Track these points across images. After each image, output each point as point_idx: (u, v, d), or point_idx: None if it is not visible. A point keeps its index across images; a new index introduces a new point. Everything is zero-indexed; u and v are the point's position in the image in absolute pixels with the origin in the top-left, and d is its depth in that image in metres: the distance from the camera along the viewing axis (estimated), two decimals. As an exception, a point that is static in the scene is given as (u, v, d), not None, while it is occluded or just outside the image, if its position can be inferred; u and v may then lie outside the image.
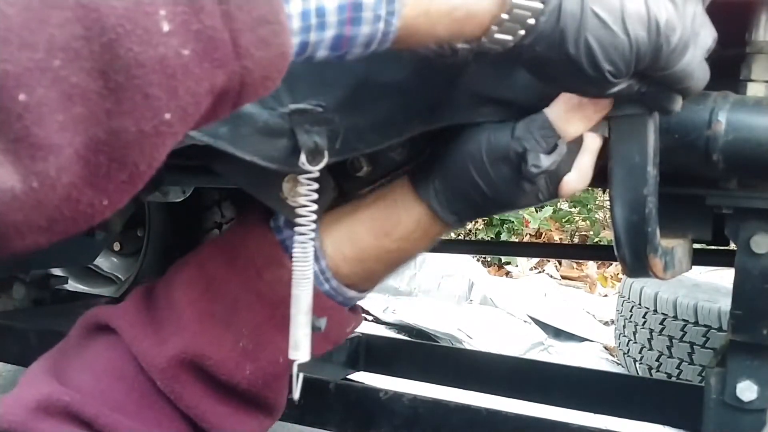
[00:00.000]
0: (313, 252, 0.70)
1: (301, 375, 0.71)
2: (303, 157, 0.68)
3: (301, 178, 0.69)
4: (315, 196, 0.70)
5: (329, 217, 0.78)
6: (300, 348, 0.71)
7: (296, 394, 0.71)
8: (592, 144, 0.73)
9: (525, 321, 3.88)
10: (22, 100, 0.39)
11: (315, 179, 0.69)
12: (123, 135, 0.43)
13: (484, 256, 5.26)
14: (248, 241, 0.77)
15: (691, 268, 0.95)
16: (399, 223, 0.77)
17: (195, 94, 0.44)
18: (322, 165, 0.69)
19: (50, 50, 0.40)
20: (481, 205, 0.75)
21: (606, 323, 4.09)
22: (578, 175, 0.73)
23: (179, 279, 0.75)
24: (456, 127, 0.75)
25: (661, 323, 2.96)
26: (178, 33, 0.43)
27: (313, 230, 0.70)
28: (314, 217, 0.70)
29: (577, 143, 0.73)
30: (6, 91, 0.38)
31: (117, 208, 0.45)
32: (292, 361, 0.69)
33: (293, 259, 0.70)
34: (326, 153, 0.69)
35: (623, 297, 3.22)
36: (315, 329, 0.71)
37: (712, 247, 1.22)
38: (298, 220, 0.70)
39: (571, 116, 0.71)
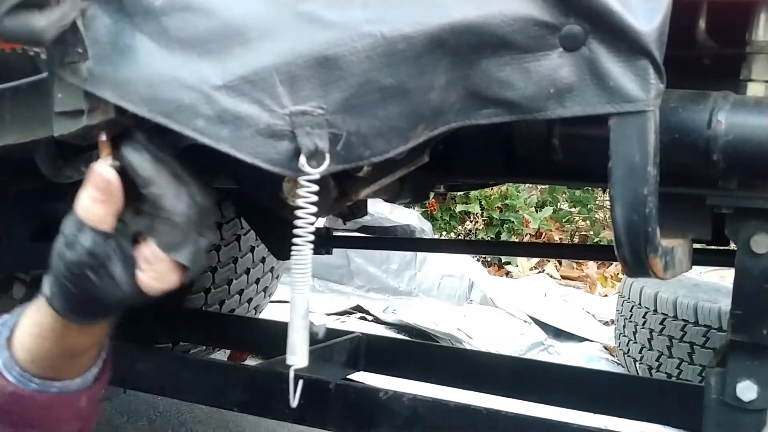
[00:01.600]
0: (311, 254, 0.70)
1: (300, 381, 0.71)
2: (303, 159, 0.67)
3: (302, 179, 0.69)
4: (314, 197, 0.69)
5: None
6: (297, 353, 0.70)
7: (294, 402, 0.71)
8: (146, 250, 0.73)
9: (525, 321, 3.88)
10: None
11: (315, 180, 0.69)
12: None
13: (484, 256, 5.26)
14: None
15: (691, 268, 0.95)
16: (41, 323, 0.79)
17: None
18: (323, 168, 0.68)
19: None
20: (74, 295, 0.75)
21: (606, 323, 4.09)
22: (151, 271, 0.73)
23: None
24: None
25: (661, 323, 2.95)
26: None
27: (312, 232, 0.69)
28: (313, 218, 0.69)
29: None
30: None
31: None
32: None
33: (292, 262, 0.70)
34: (327, 156, 0.68)
35: (623, 297, 3.22)
36: (313, 334, 0.71)
37: (712, 247, 1.22)
38: (298, 222, 0.69)
39: (90, 201, 0.72)
